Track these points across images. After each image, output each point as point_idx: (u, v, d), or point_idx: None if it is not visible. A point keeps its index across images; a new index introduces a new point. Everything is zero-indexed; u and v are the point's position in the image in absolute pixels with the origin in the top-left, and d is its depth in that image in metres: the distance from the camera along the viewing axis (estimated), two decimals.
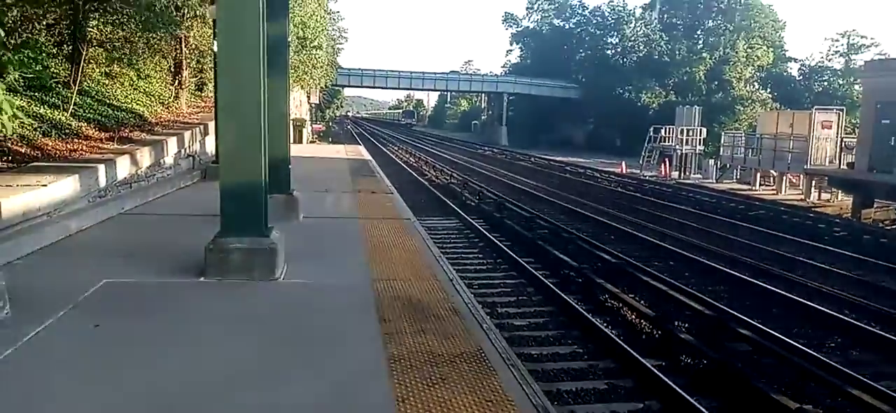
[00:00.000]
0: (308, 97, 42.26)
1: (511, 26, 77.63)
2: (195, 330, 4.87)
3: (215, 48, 13.47)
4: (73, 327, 4.71)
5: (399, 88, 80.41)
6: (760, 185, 27.59)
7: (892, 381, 7.04)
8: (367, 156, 26.10)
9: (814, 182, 24.25)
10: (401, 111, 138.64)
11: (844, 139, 25.04)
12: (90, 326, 4.71)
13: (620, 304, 9.31)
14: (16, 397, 3.68)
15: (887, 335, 8.24)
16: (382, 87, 73.73)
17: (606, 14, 66.49)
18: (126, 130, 13.15)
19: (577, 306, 8.94)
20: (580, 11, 70.63)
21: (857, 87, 48.62)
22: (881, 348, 8.03)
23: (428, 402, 3.74)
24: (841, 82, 55.92)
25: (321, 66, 34.42)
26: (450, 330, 4.97)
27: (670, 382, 6.45)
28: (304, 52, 29.32)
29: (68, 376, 3.95)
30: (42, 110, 11.55)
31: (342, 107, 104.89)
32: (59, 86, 13.30)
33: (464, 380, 4.10)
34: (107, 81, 16.21)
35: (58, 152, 10.23)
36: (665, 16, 64.52)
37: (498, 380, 4.15)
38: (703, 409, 5.91)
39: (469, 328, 5.04)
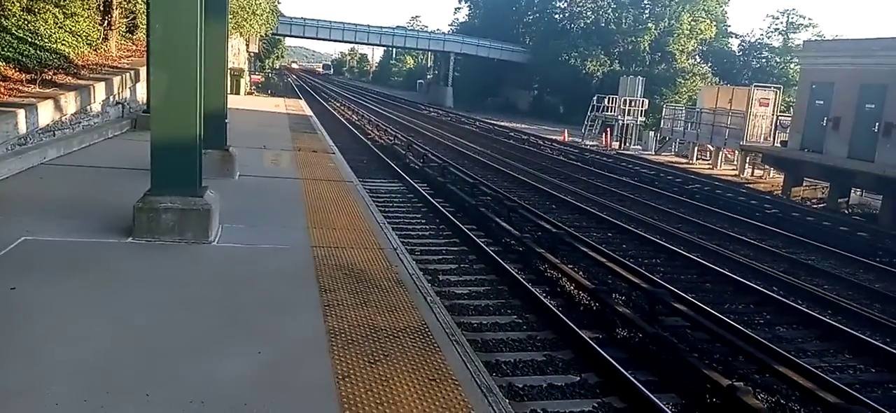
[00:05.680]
0: (247, 45, 40.74)
1: None
2: (122, 295, 4.58)
3: None
4: None
5: (343, 41, 78.29)
6: (697, 158, 28.35)
7: (813, 357, 7.40)
8: (307, 111, 25.50)
9: (748, 158, 25.06)
10: (322, 64, 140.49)
11: (780, 117, 25.84)
12: (5, 289, 4.36)
13: (559, 275, 9.36)
14: None
15: (809, 312, 8.63)
16: (325, 39, 71.62)
17: None
18: (49, 72, 12.28)
19: (517, 276, 8.95)
20: None
21: (793, 65, 50.11)
22: (805, 325, 8.39)
23: (369, 381, 3.61)
24: (778, 60, 57.55)
25: (262, 13, 33.15)
26: (393, 302, 4.84)
27: (607, 356, 6.52)
28: None
29: None
30: None
31: (283, 57, 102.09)
32: None
33: (407, 356, 3.99)
34: (28, 17, 15.07)
35: None
36: None
37: (441, 357, 4.06)
38: (639, 384, 6.00)
39: (413, 301, 4.93)
